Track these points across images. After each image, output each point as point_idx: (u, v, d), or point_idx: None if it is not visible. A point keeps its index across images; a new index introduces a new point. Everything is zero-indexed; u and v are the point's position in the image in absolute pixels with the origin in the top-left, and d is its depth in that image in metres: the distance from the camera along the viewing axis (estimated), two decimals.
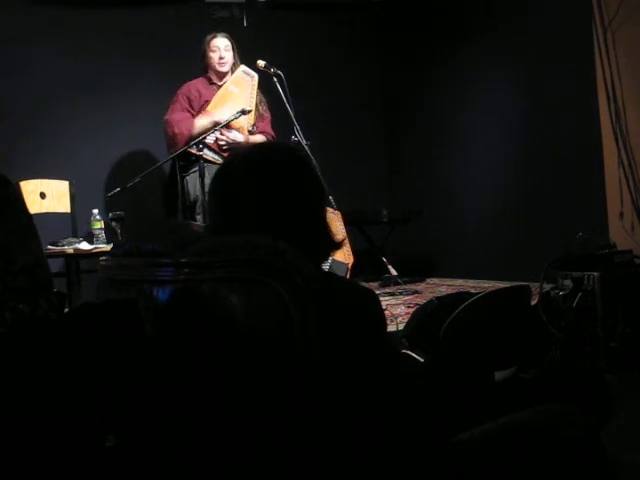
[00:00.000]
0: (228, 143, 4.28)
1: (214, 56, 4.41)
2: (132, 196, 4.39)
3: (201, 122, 4.29)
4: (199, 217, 4.25)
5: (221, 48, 4.41)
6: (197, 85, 4.47)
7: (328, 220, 1.38)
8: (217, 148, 4.30)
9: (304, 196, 1.32)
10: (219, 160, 4.32)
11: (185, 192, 4.38)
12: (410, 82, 5.82)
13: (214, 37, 4.45)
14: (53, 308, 1.25)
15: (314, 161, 3.33)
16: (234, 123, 4.25)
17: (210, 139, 4.24)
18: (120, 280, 1.30)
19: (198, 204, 4.28)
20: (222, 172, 1.37)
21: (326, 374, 1.12)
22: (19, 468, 1.09)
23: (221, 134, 4.25)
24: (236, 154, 1.43)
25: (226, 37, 4.46)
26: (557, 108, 4.51)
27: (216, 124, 4.23)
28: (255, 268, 1.11)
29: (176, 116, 4.33)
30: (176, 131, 4.27)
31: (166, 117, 4.36)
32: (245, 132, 4.38)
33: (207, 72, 4.49)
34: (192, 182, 4.34)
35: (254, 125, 4.43)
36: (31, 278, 1.25)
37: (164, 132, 4.37)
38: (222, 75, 4.45)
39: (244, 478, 1.14)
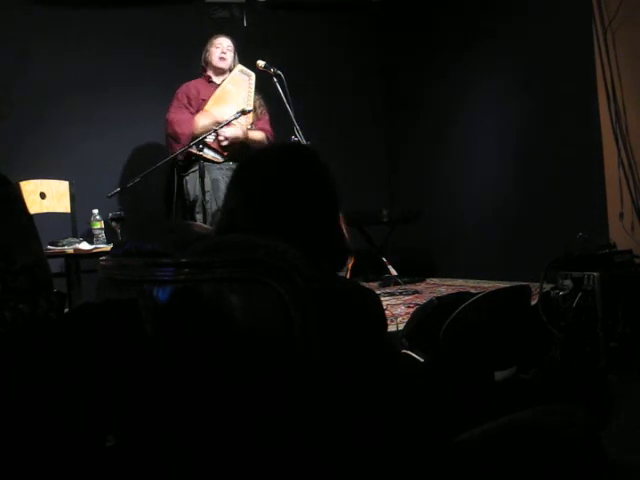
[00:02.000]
0: (227, 139, 4.30)
1: (216, 51, 4.46)
2: (132, 196, 4.39)
3: (202, 122, 4.32)
4: (199, 216, 4.25)
5: (224, 45, 4.49)
6: (196, 84, 4.50)
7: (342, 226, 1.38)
8: (217, 146, 4.31)
9: (319, 200, 1.32)
10: (219, 159, 4.33)
11: (185, 192, 4.39)
12: (410, 82, 5.83)
13: (218, 36, 4.53)
14: (53, 308, 1.25)
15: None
16: (232, 123, 4.26)
17: (210, 138, 4.25)
18: (120, 280, 1.30)
19: (198, 204, 4.29)
20: (240, 172, 1.37)
21: (326, 374, 1.11)
22: (19, 468, 1.09)
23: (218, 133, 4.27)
24: (259, 154, 1.43)
25: (230, 38, 4.54)
26: (557, 108, 4.51)
27: (218, 123, 4.25)
28: (255, 268, 1.11)
29: (178, 115, 4.35)
30: (177, 130, 4.30)
31: (167, 116, 4.38)
32: (244, 129, 4.40)
33: (206, 71, 4.51)
34: (192, 182, 4.35)
35: (252, 124, 4.44)
36: (31, 278, 1.25)
37: (165, 131, 4.39)
38: (221, 72, 4.48)
39: (244, 478, 1.14)
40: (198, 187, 4.26)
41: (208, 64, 4.50)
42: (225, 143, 4.31)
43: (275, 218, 1.28)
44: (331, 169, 1.37)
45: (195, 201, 4.33)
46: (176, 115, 4.36)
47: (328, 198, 1.34)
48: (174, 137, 4.32)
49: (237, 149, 4.33)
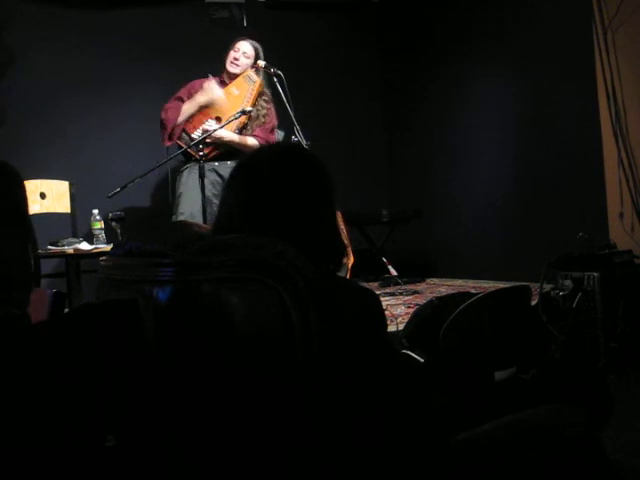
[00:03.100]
0: (211, 138, 4.25)
1: (232, 54, 4.41)
2: (132, 196, 4.39)
3: (186, 107, 4.33)
4: (174, 217, 4.27)
5: (241, 50, 4.41)
6: (204, 81, 4.47)
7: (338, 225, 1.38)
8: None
9: (316, 200, 1.32)
10: (199, 155, 4.31)
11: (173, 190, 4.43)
12: (410, 82, 5.83)
13: (242, 40, 4.46)
14: (11, 303, 1.22)
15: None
16: (231, 123, 4.24)
17: (195, 134, 4.26)
18: (120, 280, 1.30)
19: (176, 203, 4.30)
20: (238, 172, 1.37)
21: (326, 374, 1.11)
22: (19, 468, 1.09)
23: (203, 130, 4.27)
24: (256, 154, 1.43)
25: (253, 46, 4.44)
26: (557, 108, 4.51)
27: (201, 107, 4.26)
28: (256, 268, 1.11)
29: (170, 104, 4.37)
30: (163, 116, 4.32)
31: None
32: (235, 132, 4.37)
33: (223, 71, 4.49)
34: (178, 181, 4.36)
35: (242, 129, 4.39)
36: None
37: None
38: (232, 77, 4.44)
39: (244, 477, 1.14)
40: (180, 186, 4.31)
41: (224, 66, 4.48)
42: (208, 140, 4.27)
43: (272, 218, 1.28)
44: (330, 169, 1.37)
45: (173, 201, 4.35)
46: (167, 104, 4.38)
47: (325, 198, 1.35)
48: (160, 124, 4.35)
49: (223, 149, 4.32)
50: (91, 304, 1.26)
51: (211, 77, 4.45)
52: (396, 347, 1.93)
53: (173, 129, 4.29)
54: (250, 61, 4.44)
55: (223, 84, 4.47)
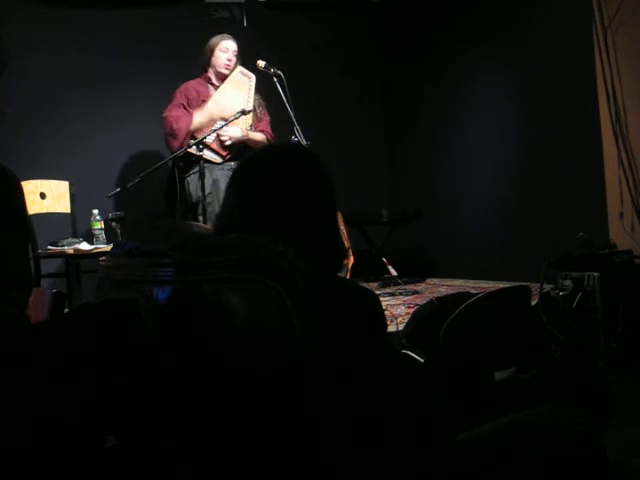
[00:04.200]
0: (231, 138, 4.28)
1: (223, 56, 4.39)
2: (132, 196, 4.39)
3: (198, 118, 4.31)
4: (201, 218, 4.24)
5: (230, 50, 4.41)
6: (195, 85, 4.47)
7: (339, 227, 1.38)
8: (217, 146, 4.29)
9: (317, 200, 1.32)
10: (218, 159, 4.31)
11: (187, 194, 4.38)
12: (410, 82, 5.82)
13: (225, 38, 4.44)
14: (9, 304, 1.22)
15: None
16: (233, 123, 4.25)
17: (210, 138, 4.24)
18: (120, 280, 1.30)
19: (200, 206, 4.27)
20: (239, 172, 1.37)
21: (326, 374, 1.11)
22: (20, 468, 1.09)
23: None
24: (256, 154, 1.42)
25: (235, 41, 4.46)
26: (557, 108, 4.51)
27: (213, 120, 4.23)
28: (255, 268, 1.11)
29: (175, 112, 4.34)
30: (174, 127, 4.28)
31: (165, 114, 4.36)
32: (244, 130, 4.38)
33: (207, 71, 4.48)
34: (193, 183, 4.33)
35: (252, 126, 4.42)
36: None
37: (163, 128, 4.38)
38: (222, 77, 4.44)
39: (244, 478, 1.14)
40: (199, 188, 4.27)
41: (211, 67, 4.46)
42: (229, 142, 4.29)
43: (273, 218, 1.28)
44: (331, 169, 1.37)
45: (197, 203, 4.31)
46: (172, 112, 4.35)
47: (326, 199, 1.34)
48: (171, 134, 4.31)
49: (237, 149, 4.32)
50: (91, 304, 1.26)
51: (200, 78, 4.46)
52: (396, 347, 1.94)
53: (186, 137, 4.27)
54: (237, 57, 4.45)
55: (212, 85, 4.47)
